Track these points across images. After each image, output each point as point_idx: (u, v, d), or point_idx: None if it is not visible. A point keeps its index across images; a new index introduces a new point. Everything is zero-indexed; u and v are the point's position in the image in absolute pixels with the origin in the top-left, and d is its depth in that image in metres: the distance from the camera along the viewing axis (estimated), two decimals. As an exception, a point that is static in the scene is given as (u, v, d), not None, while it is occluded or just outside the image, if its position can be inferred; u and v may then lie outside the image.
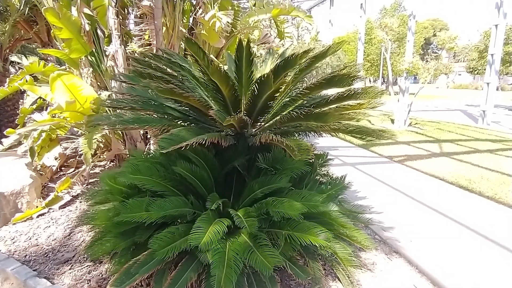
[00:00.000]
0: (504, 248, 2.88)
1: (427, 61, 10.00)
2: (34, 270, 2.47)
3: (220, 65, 1.96)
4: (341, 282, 2.30)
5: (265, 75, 1.82)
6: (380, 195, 4.15)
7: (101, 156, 4.79)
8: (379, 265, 2.62)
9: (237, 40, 1.98)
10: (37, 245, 2.84)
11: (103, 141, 4.58)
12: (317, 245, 1.97)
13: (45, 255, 2.70)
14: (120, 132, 4.39)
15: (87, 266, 2.51)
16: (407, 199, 4.04)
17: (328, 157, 3.05)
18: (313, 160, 2.60)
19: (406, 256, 2.74)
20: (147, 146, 4.26)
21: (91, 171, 4.48)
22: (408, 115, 9.53)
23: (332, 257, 2.35)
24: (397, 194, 4.22)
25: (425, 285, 2.40)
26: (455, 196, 4.15)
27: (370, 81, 34.10)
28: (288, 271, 2.00)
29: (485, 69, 10.96)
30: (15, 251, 2.76)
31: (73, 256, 2.66)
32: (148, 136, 4.37)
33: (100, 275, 2.39)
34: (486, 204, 3.89)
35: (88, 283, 2.30)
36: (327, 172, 3.06)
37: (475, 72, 33.52)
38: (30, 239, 2.95)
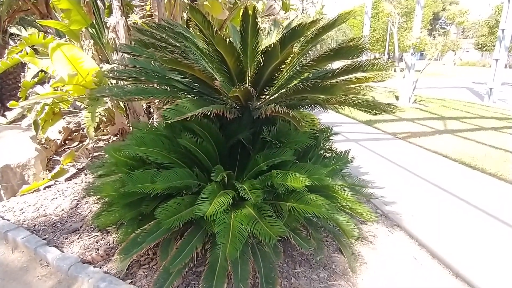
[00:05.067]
0: (505, 223, 2.92)
1: (434, 37, 9.72)
2: (43, 239, 2.53)
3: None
4: (343, 254, 2.35)
5: (272, 45, 1.78)
6: (382, 170, 4.16)
7: (105, 130, 4.80)
8: (380, 237, 2.68)
9: (243, 9, 1.91)
10: (45, 216, 2.91)
11: (106, 115, 4.57)
12: (321, 217, 1.99)
13: (54, 225, 2.76)
14: (123, 106, 4.37)
15: (94, 235, 2.58)
16: (409, 175, 4.06)
17: (332, 132, 3.04)
18: (317, 134, 2.59)
19: (406, 229, 2.78)
20: (150, 120, 4.25)
21: (95, 145, 4.51)
22: (413, 92, 9.40)
23: (335, 229, 2.39)
24: (399, 170, 4.24)
25: (425, 257, 2.45)
26: (457, 173, 4.16)
27: (375, 57, 33.43)
28: (292, 241, 2.04)
29: (494, 46, 10.63)
30: (24, 221, 2.82)
31: (80, 226, 2.72)
32: (151, 111, 4.35)
33: (108, 244, 2.46)
34: (489, 181, 3.91)
35: (96, 252, 2.37)
36: (331, 147, 3.05)
37: (484, 49, 32.70)
38: (38, 209, 3.01)
